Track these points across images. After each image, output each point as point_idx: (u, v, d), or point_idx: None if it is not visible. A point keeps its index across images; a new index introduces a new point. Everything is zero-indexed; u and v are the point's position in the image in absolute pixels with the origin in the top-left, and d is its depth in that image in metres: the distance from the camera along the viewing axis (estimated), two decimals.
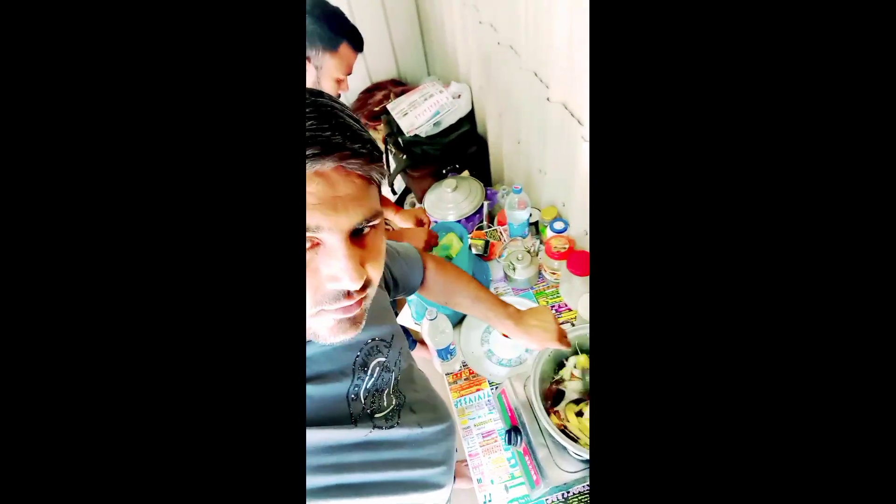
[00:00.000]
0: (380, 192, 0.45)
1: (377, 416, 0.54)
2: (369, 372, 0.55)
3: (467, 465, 0.93)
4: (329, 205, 0.37)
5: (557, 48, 0.93)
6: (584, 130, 0.92)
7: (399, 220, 1.25)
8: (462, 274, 0.81)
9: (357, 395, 0.52)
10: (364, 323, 0.45)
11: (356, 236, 0.40)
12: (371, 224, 0.41)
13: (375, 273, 0.43)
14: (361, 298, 0.43)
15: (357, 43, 1.02)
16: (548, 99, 1.02)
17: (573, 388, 0.82)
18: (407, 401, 0.60)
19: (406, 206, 1.69)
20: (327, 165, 0.37)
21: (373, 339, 0.56)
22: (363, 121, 0.45)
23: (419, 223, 1.20)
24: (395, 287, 0.71)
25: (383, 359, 0.57)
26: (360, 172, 0.39)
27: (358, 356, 0.53)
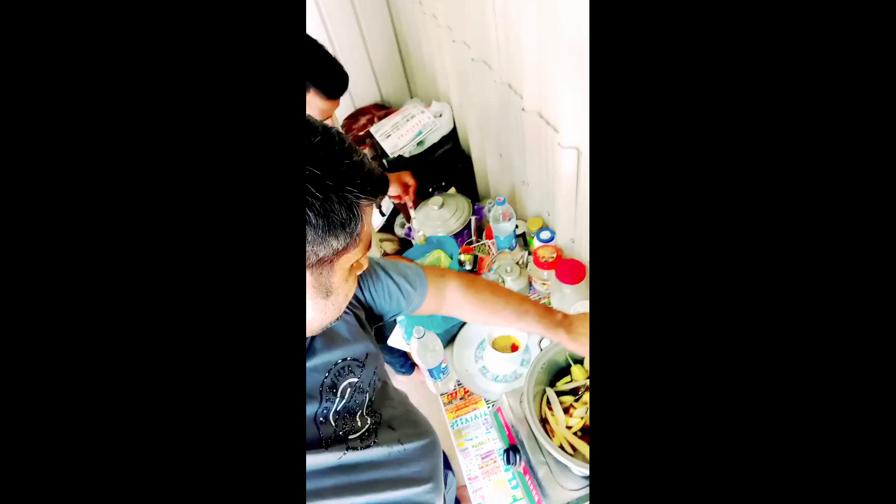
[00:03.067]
0: None
1: (351, 437, 0.52)
2: (339, 393, 0.53)
3: (466, 488, 0.89)
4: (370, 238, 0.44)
5: (527, 59, 0.93)
6: (560, 137, 0.91)
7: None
8: (498, 289, 0.76)
9: (326, 417, 0.50)
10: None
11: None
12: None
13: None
14: None
15: (328, 89, 0.95)
16: (523, 109, 1.02)
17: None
18: (384, 418, 0.58)
19: (396, 228, 1.68)
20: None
21: (343, 360, 0.55)
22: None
23: (405, 187, 1.18)
24: (380, 310, 0.68)
25: (355, 379, 0.56)
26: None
27: (326, 377, 0.51)
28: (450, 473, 0.85)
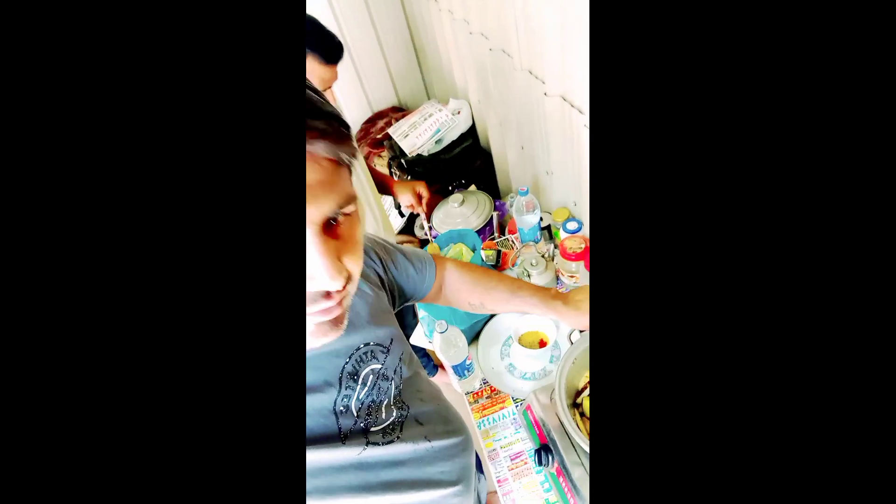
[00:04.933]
0: (350, 175, 0.40)
1: (373, 430, 0.48)
2: (361, 381, 0.48)
3: (497, 494, 0.84)
4: None
5: (549, 40, 0.89)
6: (586, 118, 0.87)
7: (399, 193, 1.24)
8: (490, 271, 0.76)
9: (347, 407, 0.46)
10: (346, 323, 0.40)
11: (329, 228, 0.36)
12: (345, 212, 0.36)
13: (355, 266, 0.38)
14: (342, 297, 0.38)
15: (326, 54, 0.95)
16: (545, 94, 0.98)
17: None
18: (411, 412, 0.53)
19: (416, 229, 1.65)
20: None
21: (365, 345, 0.51)
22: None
23: (418, 196, 1.19)
24: (401, 291, 0.65)
25: (379, 366, 0.51)
26: (327, 154, 0.34)
27: (346, 364, 0.47)
28: (482, 477, 0.80)
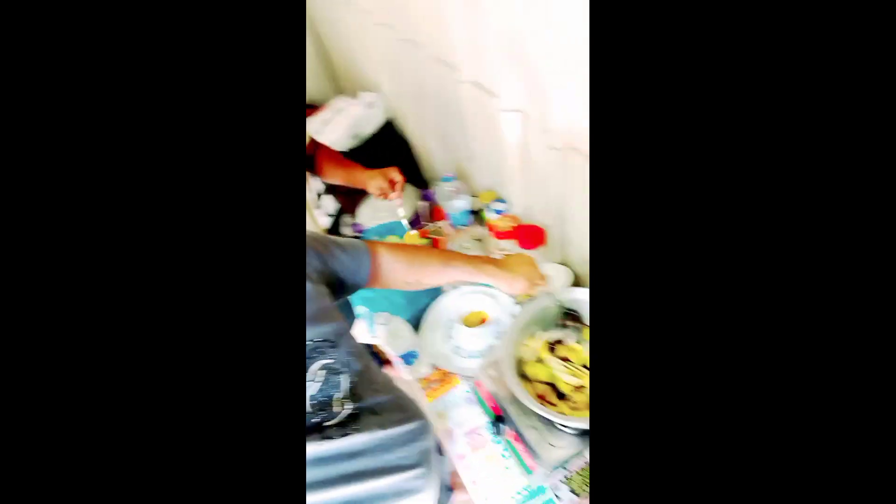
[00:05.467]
0: None
1: (327, 424, 0.48)
2: (312, 377, 0.48)
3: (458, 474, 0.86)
4: None
5: (456, 26, 0.91)
6: (501, 102, 0.90)
7: (368, 181, 1.11)
8: (420, 247, 0.76)
9: None
10: None
11: None
12: None
13: None
14: None
15: None
16: (458, 81, 1.01)
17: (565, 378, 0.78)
18: (366, 404, 0.54)
19: (342, 228, 1.62)
20: None
21: (311, 341, 0.50)
22: None
23: (392, 183, 1.07)
24: (340, 284, 0.64)
25: (328, 360, 0.51)
26: None
27: None
28: (444, 459, 0.82)
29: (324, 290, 0.58)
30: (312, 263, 0.58)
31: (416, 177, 1.61)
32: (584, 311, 0.86)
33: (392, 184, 1.08)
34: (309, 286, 0.54)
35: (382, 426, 0.54)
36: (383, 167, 1.29)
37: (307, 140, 1.09)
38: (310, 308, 0.52)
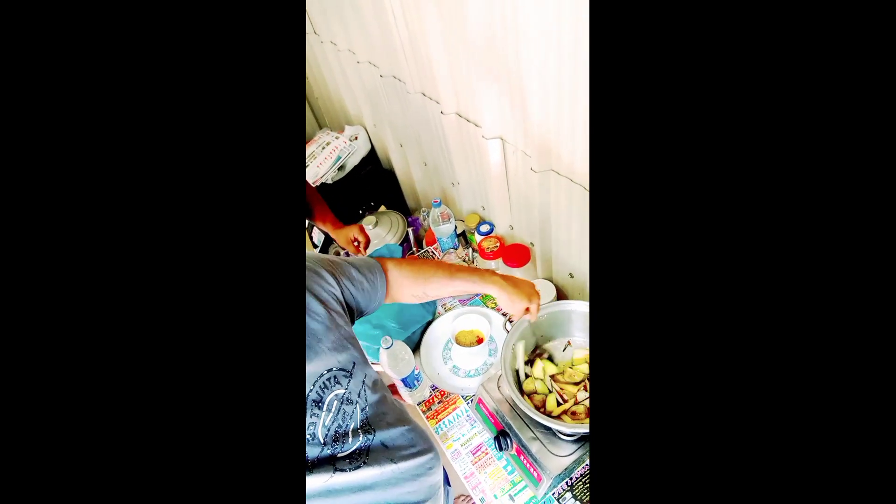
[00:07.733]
0: None
1: (340, 456, 0.49)
2: (325, 407, 0.49)
3: (464, 497, 0.87)
4: None
5: (438, 63, 0.97)
6: (483, 130, 0.96)
7: (337, 236, 1.16)
8: (423, 260, 0.76)
9: (314, 435, 0.47)
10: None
11: None
12: None
13: None
14: None
15: None
16: (441, 113, 1.06)
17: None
18: (377, 437, 0.55)
19: (331, 254, 1.63)
20: None
21: (328, 370, 0.51)
22: None
23: (355, 245, 1.12)
24: (357, 306, 0.64)
25: (342, 390, 0.52)
26: None
27: (311, 391, 0.48)
28: (450, 490, 0.83)
29: (342, 316, 0.58)
30: (328, 289, 0.58)
31: (401, 205, 1.66)
32: (574, 325, 0.90)
33: (355, 245, 1.13)
34: (325, 314, 0.54)
35: (393, 460, 0.54)
36: (368, 198, 1.33)
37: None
38: (328, 338, 0.53)
